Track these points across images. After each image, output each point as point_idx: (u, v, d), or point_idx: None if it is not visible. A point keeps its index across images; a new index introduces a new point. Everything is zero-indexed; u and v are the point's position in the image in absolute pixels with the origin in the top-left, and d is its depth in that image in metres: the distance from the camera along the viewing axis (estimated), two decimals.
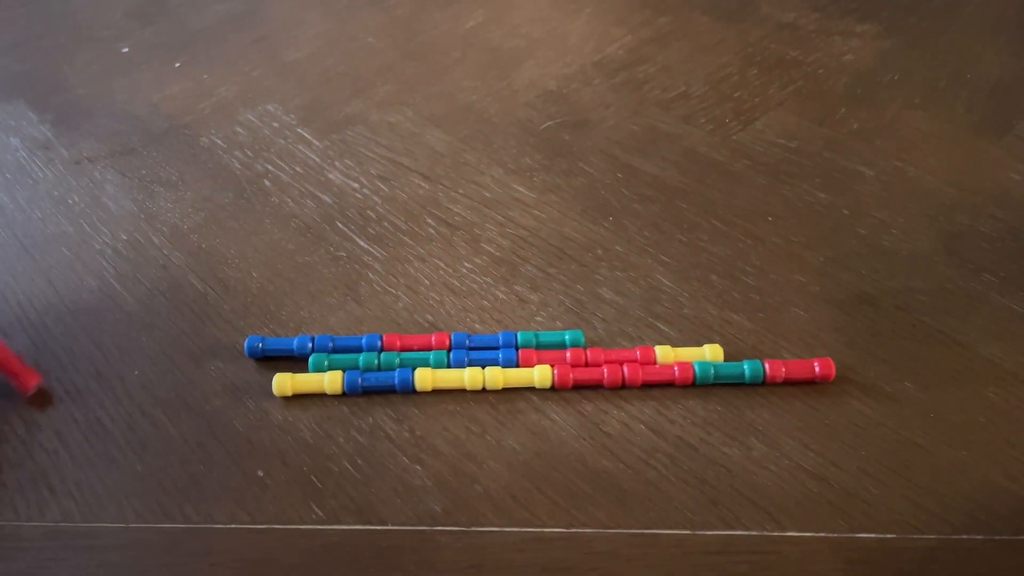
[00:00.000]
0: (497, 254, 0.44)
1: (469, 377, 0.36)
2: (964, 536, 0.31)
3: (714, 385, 0.36)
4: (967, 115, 0.54)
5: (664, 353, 0.37)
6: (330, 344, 0.38)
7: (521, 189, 0.48)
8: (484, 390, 0.36)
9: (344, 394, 0.36)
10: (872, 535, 0.31)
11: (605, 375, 0.36)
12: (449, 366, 0.37)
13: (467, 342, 0.38)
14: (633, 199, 0.47)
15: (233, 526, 0.32)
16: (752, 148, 0.51)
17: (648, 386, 0.36)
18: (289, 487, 0.33)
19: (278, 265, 0.43)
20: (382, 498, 0.32)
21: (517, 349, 0.38)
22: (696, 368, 0.36)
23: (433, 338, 0.38)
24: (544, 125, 0.54)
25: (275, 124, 0.55)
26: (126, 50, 0.64)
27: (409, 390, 0.36)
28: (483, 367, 0.36)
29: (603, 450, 0.34)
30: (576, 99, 0.56)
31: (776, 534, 0.31)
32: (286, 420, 0.35)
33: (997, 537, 0.31)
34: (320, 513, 0.32)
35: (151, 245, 0.45)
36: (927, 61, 0.60)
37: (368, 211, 0.47)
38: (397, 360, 0.37)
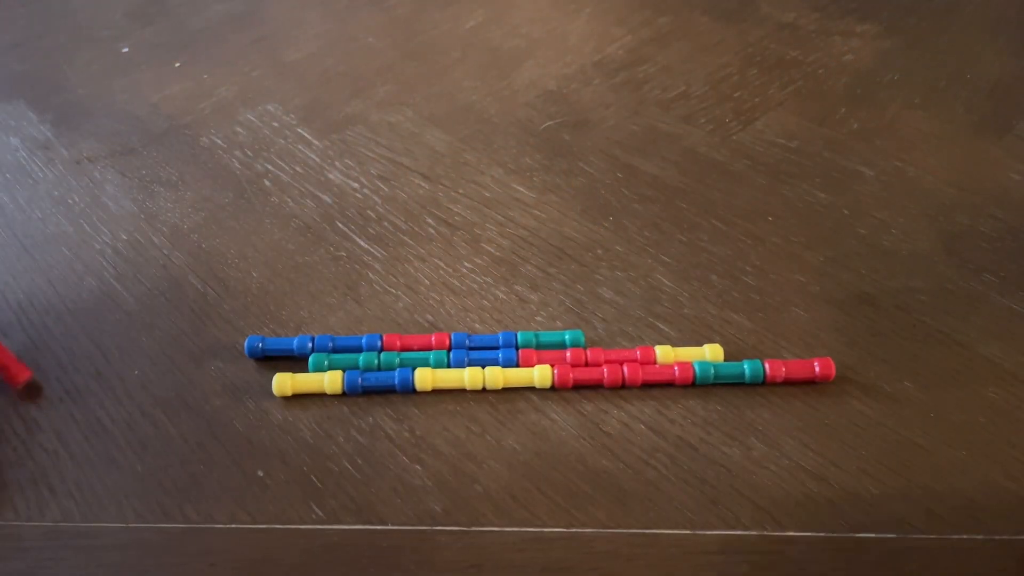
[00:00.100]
0: (497, 254, 0.44)
1: (469, 377, 0.36)
2: (964, 536, 0.31)
3: (714, 385, 0.36)
4: (967, 115, 0.54)
5: (664, 353, 0.37)
6: (330, 344, 0.38)
7: (521, 189, 0.48)
8: (484, 390, 0.36)
9: (344, 394, 0.36)
10: (872, 535, 0.31)
11: (605, 375, 0.36)
12: (449, 366, 0.37)
13: (467, 342, 0.38)
14: (633, 199, 0.47)
15: (233, 526, 0.32)
16: (752, 148, 0.51)
17: (648, 386, 0.36)
18: (289, 487, 0.33)
19: (278, 265, 0.43)
20: (382, 498, 0.32)
21: (517, 349, 0.38)
22: (696, 368, 0.36)
23: (433, 338, 0.38)
24: (544, 125, 0.54)
25: (275, 124, 0.55)
26: (126, 50, 0.64)
27: (409, 390, 0.36)
28: (483, 367, 0.36)
29: (603, 450, 0.34)
30: (576, 99, 0.56)
31: (776, 534, 0.31)
32: (286, 420, 0.35)
33: (997, 537, 0.31)
34: (320, 513, 0.32)
35: (151, 245, 0.45)
36: (927, 61, 0.60)
37: (368, 211, 0.47)
38: (397, 360, 0.37)
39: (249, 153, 0.52)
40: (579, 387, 0.36)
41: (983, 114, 0.54)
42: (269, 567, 0.30)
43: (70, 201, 0.48)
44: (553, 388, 0.36)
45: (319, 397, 0.36)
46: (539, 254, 0.44)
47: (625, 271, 0.43)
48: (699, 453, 0.34)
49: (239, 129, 0.54)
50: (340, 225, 0.46)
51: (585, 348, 0.38)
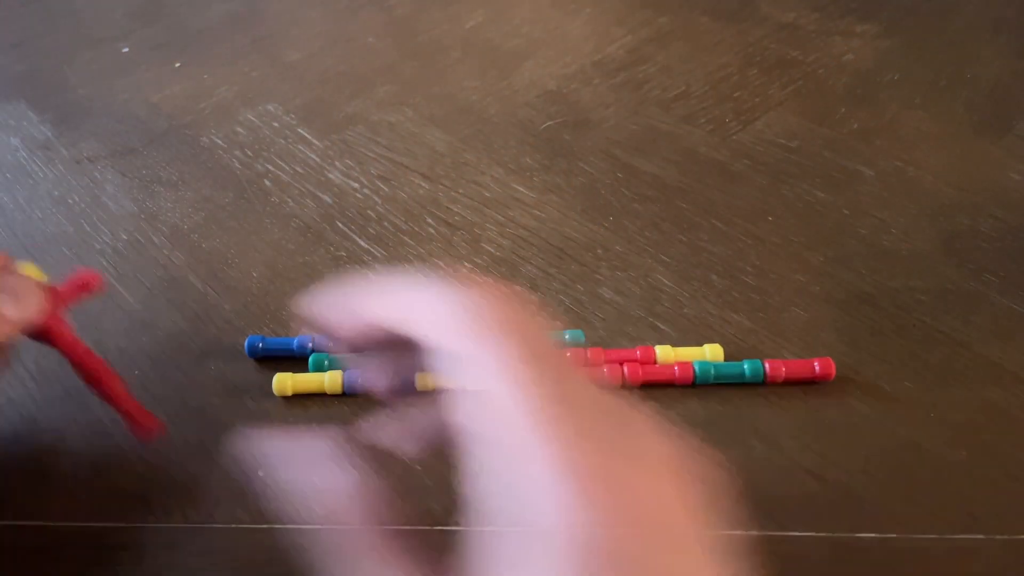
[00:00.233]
0: (497, 254, 0.44)
1: None
2: (964, 536, 0.31)
3: (714, 385, 0.36)
4: (967, 115, 0.54)
5: (664, 353, 0.37)
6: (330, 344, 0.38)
7: (521, 189, 0.48)
8: None
9: (344, 394, 0.36)
10: (872, 535, 0.31)
11: (605, 375, 0.36)
12: None
13: None
14: (633, 199, 0.47)
15: (233, 526, 0.31)
16: (752, 148, 0.51)
17: (648, 386, 0.36)
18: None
19: (278, 265, 0.43)
20: (382, 498, 0.32)
21: None
22: (696, 368, 0.36)
23: None
24: (544, 125, 0.54)
25: (275, 124, 0.55)
26: (126, 50, 0.64)
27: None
28: None
29: None
30: (576, 99, 0.56)
31: (776, 534, 0.31)
32: (286, 420, 0.35)
33: (997, 537, 0.31)
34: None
35: (151, 245, 0.45)
36: (927, 61, 0.60)
37: (368, 211, 0.47)
38: None
39: (249, 153, 0.52)
40: None
41: (983, 114, 0.54)
42: (269, 567, 0.30)
43: (70, 201, 0.48)
44: None
45: (319, 397, 0.36)
46: (539, 254, 0.44)
47: (625, 271, 0.43)
48: (699, 453, 0.34)
49: (239, 129, 0.54)
50: (340, 225, 0.46)
51: (585, 348, 0.38)
